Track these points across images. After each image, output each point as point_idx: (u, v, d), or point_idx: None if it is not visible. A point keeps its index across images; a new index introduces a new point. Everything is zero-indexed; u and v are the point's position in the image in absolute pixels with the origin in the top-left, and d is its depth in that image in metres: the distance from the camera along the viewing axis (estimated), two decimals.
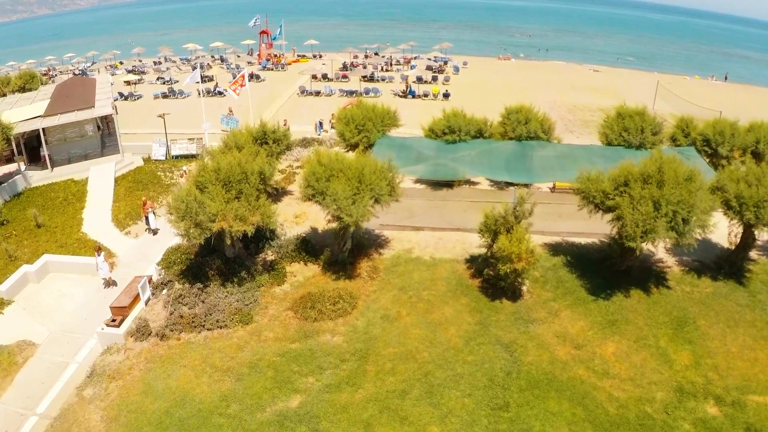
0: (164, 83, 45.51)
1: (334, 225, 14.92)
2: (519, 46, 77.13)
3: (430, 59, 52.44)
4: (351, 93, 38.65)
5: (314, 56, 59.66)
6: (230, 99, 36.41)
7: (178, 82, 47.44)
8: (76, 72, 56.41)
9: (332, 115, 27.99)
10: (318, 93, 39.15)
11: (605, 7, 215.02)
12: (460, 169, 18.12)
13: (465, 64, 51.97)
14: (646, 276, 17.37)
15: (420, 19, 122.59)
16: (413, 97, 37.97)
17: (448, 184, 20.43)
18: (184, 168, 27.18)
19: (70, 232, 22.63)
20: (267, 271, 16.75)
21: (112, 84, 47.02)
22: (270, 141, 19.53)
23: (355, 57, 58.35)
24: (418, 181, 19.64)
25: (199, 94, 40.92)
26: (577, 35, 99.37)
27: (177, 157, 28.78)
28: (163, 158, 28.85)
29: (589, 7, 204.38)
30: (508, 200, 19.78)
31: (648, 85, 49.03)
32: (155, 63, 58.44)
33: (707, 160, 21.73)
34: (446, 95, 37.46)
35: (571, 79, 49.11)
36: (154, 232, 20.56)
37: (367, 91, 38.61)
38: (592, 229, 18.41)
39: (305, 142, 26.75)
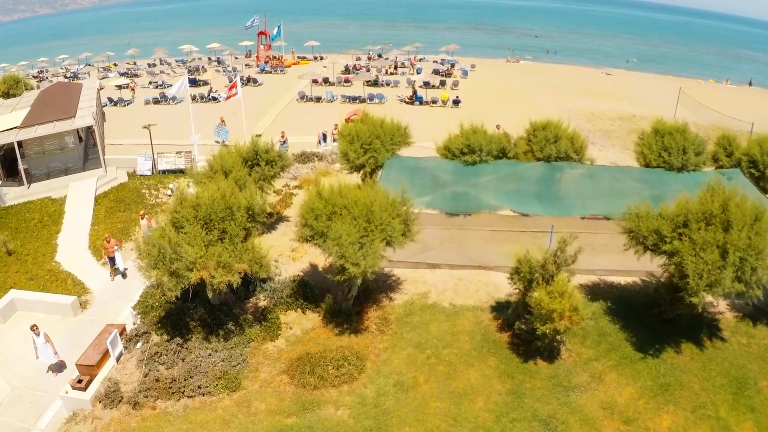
0: (157, 87, 42.73)
1: (337, 275, 12.18)
2: (526, 47, 74.29)
3: (436, 62, 49.67)
4: (354, 99, 35.91)
5: (315, 58, 56.85)
6: (224, 107, 33.68)
7: (171, 86, 44.70)
8: (67, 75, 53.67)
9: (335, 126, 25.32)
10: (319, 99, 36.41)
11: (608, 6, 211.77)
12: (484, 200, 15.40)
13: (473, 67, 49.17)
14: (696, 325, 14.74)
15: (423, 20, 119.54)
16: (420, 103, 35.24)
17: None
18: (171, 186, 24.53)
19: (42, 261, 20.06)
20: (258, 321, 14.09)
21: (102, 88, 44.37)
22: (262, 163, 16.81)
23: (358, 59, 55.56)
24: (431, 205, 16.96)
25: (193, 99, 38.28)
26: (583, 36, 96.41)
27: (164, 172, 26.10)
28: (149, 173, 26.17)
29: (592, 6, 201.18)
30: (534, 229, 17.25)
31: (665, 90, 46.25)
32: (149, 65, 55.66)
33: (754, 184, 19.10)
34: (456, 102, 34.72)
35: (584, 83, 46.32)
36: (123, 274, 17.87)
37: (371, 98, 35.86)
38: (631, 265, 15.77)
39: (304, 157, 24.03)
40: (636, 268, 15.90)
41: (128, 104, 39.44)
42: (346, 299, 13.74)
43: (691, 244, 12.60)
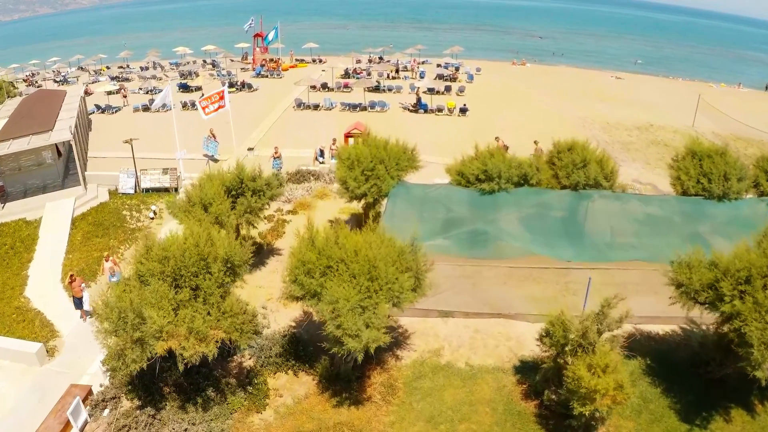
0: (147, 93, 40.39)
1: (333, 346, 9.94)
2: (531, 49, 71.90)
3: (440, 65, 47.33)
4: (354, 107, 33.61)
5: (314, 60, 54.51)
6: (215, 117, 31.41)
7: (162, 91, 42.41)
8: (57, 79, 51.34)
9: (333, 140, 23.08)
10: (317, 106, 34.11)
11: (609, 6, 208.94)
12: (506, 241, 13.19)
13: (478, 70, 46.84)
14: (746, 386, 12.57)
15: (424, 20, 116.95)
16: (425, 111, 32.96)
17: None
18: (154, 208, 22.31)
19: (10, 296, 17.93)
20: (242, 386, 11.89)
21: (91, 93, 42.08)
22: (248, 193, 14.57)
23: (358, 62, 53.24)
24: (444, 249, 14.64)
25: (184, 106, 35.98)
26: (587, 37, 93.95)
27: (148, 190, 23.87)
28: (132, 191, 23.94)
29: (592, 6, 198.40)
30: (558, 265, 15.05)
31: (678, 95, 44.00)
32: (142, 68, 53.27)
33: None
34: (463, 110, 32.41)
35: (595, 88, 44.02)
36: (91, 314, 15.68)
37: (372, 105, 33.56)
38: (669, 308, 13.64)
39: (299, 176, 21.77)
40: (675, 313, 13.72)
41: (116, 111, 37.13)
42: (345, 362, 11.54)
43: (756, 307, 10.44)
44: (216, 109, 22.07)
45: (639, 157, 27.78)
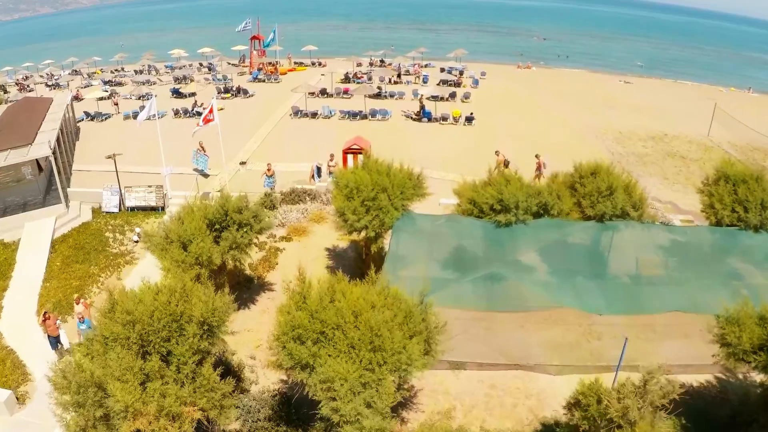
0: (140, 98, 38.70)
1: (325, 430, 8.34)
2: (534, 51, 70.19)
3: (443, 69, 45.63)
4: (354, 115, 31.95)
5: (313, 63, 52.83)
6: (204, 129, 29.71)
7: (156, 96, 40.69)
8: (50, 83, 49.66)
9: (331, 156, 21.45)
10: (315, 114, 32.44)
11: (610, 6, 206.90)
12: (528, 290, 11.58)
13: (483, 74, 45.14)
14: None
15: (425, 20, 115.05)
16: (429, 120, 31.30)
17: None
18: (138, 230, 20.70)
19: None
20: None
21: (81, 99, 40.39)
22: (233, 226, 12.96)
23: (359, 65, 51.59)
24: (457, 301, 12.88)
25: (176, 114, 34.31)
26: (591, 38, 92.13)
27: (133, 209, 22.26)
28: (116, 210, 22.34)
29: (593, 7, 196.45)
30: (576, 307, 13.38)
31: (690, 100, 42.36)
32: (136, 72, 51.58)
33: None
34: (469, 119, 30.72)
35: (604, 93, 42.33)
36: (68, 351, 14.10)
37: (373, 113, 31.89)
38: (701, 353, 12.14)
39: (294, 196, 20.12)
40: (710, 360, 12.17)
41: (106, 119, 35.51)
42: None
43: None
44: (205, 123, 20.45)
45: (656, 171, 26.14)
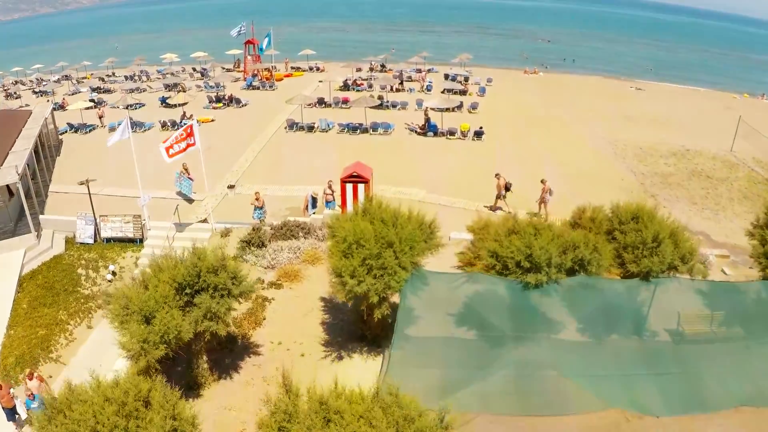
0: (127, 108, 36.15)
1: None
2: (540, 54, 67.59)
3: (448, 75, 43.10)
4: (354, 129, 29.44)
5: (310, 69, 50.27)
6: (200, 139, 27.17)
7: (144, 105, 38.24)
8: (36, 90, 47.10)
9: (329, 183, 18.96)
10: (311, 128, 29.91)
11: (612, 7, 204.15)
12: (570, 382, 9.15)
13: (489, 81, 42.60)
14: None
15: (426, 22, 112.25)
16: (434, 134, 28.78)
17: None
18: (112, 268, 18.26)
19: None
20: None
21: (65, 108, 37.85)
22: (209, 290, 10.51)
23: (359, 70, 49.08)
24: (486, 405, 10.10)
25: (163, 126, 31.80)
26: (595, 40, 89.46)
27: (109, 240, 19.81)
28: (91, 241, 19.87)
29: (595, 7, 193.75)
30: (629, 408, 10.49)
31: (706, 109, 39.84)
32: (126, 77, 49.01)
33: None
34: (478, 134, 28.17)
35: (617, 101, 39.80)
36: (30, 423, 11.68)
37: (375, 127, 29.36)
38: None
39: (286, 230, 17.60)
40: None
41: (90, 131, 33.02)
42: None
43: None
44: (183, 149, 17.86)
45: (682, 194, 23.63)
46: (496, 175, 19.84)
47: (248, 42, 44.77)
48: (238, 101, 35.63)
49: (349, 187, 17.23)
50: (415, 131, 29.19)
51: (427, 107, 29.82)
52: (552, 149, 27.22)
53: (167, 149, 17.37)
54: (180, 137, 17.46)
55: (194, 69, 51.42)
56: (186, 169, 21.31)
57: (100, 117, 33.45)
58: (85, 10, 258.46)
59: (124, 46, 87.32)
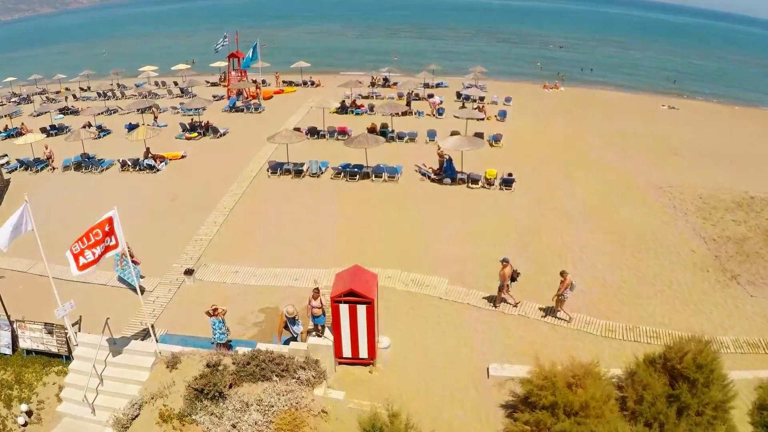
0: (94, 129, 29.74)
1: None
2: (555, 62, 61.23)
3: (460, 95, 36.96)
4: (353, 174, 23.28)
5: (304, 83, 44.06)
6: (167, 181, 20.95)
7: (110, 133, 32.03)
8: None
9: (314, 293, 12.83)
10: (299, 171, 23.72)
11: (614, 7, 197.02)
12: None
13: (508, 101, 36.48)
14: None
15: (430, 25, 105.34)
16: (453, 180, 22.65)
17: None
18: (24, 408, 12.30)
19: None
20: None
21: (23, 133, 31.60)
22: None
23: (359, 83, 42.96)
24: None
25: (123, 166, 25.57)
26: (608, 45, 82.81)
27: (30, 352, 13.81)
28: (9, 352, 13.88)
29: (599, 8, 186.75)
30: None
31: (756, 136, 33.62)
32: (100, 95, 42.68)
33: None
34: (507, 182, 22.00)
35: (652, 125, 33.66)
36: None
37: (378, 171, 23.19)
38: None
39: (254, 367, 11.52)
40: None
41: (43, 168, 26.98)
42: None
43: None
44: (97, 258, 11.56)
45: (766, 271, 17.55)
46: (503, 260, 13.88)
47: (232, 56, 38.41)
48: (215, 130, 29.43)
49: (344, 309, 11.17)
50: (428, 176, 23.10)
51: (441, 149, 23.47)
52: (599, 202, 21.18)
53: (76, 257, 11.20)
54: (95, 237, 11.24)
55: (175, 83, 45.15)
56: (130, 252, 15.02)
57: (48, 158, 27.13)
58: (85, 10, 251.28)
59: (112, 52, 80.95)
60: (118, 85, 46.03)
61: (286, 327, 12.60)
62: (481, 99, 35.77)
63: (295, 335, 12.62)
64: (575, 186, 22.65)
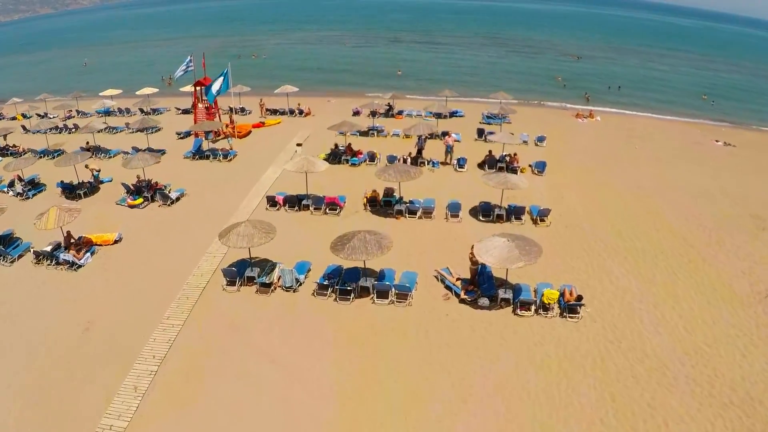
0: (9, 187, 21.80)
1: None
2: (575, 76, 53.16)
3: (482, 132, 29.04)
4: (346, 292, 15.30)
5: (291, 112, 36.07)
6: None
7: (43, 190, 24.14)
8: None
9: None
10: (268, 285, 15.71)
11: (618, 9, 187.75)
12: None
13: (540, 140, 28.65)
14: None
15: (433, 32, 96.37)
16: (490, 299, 14.80)
17: None
18: None
19: None
20: None
21: None
22: None
23: (356, 113, 35.18)
24: None
25: (37, 259, 17.69)
26: (626, 54, 74.17)
27: None
28: None
29: (604, 10, 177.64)
30: None
31: None
32: (51, 130, 34.31)
33: None
34: (572, 308, 14.17)
35: (715, 173, 25.78)
36: None
37: (381, 288, 15.20)
38: None
39: None
40: None
41: None
42: None
43: None
44: None
45: None
46: None
47: (198, 83, 30.17)
48: (164, 197, 21.38)
49: None
50: (457, 293, 15.19)
51: (473, 251, 15.29)
52: (705, 343, 13.37)
53: None
54: None
55: (141, 110, 37.08)
56: None
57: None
58: (85, 11, 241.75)
59: (94, 61, 72.55)
60: (78, 112, 38.03)
61: None
62: (515, 155, 27.04)
63: None
64: (663, 302, 14.82)
